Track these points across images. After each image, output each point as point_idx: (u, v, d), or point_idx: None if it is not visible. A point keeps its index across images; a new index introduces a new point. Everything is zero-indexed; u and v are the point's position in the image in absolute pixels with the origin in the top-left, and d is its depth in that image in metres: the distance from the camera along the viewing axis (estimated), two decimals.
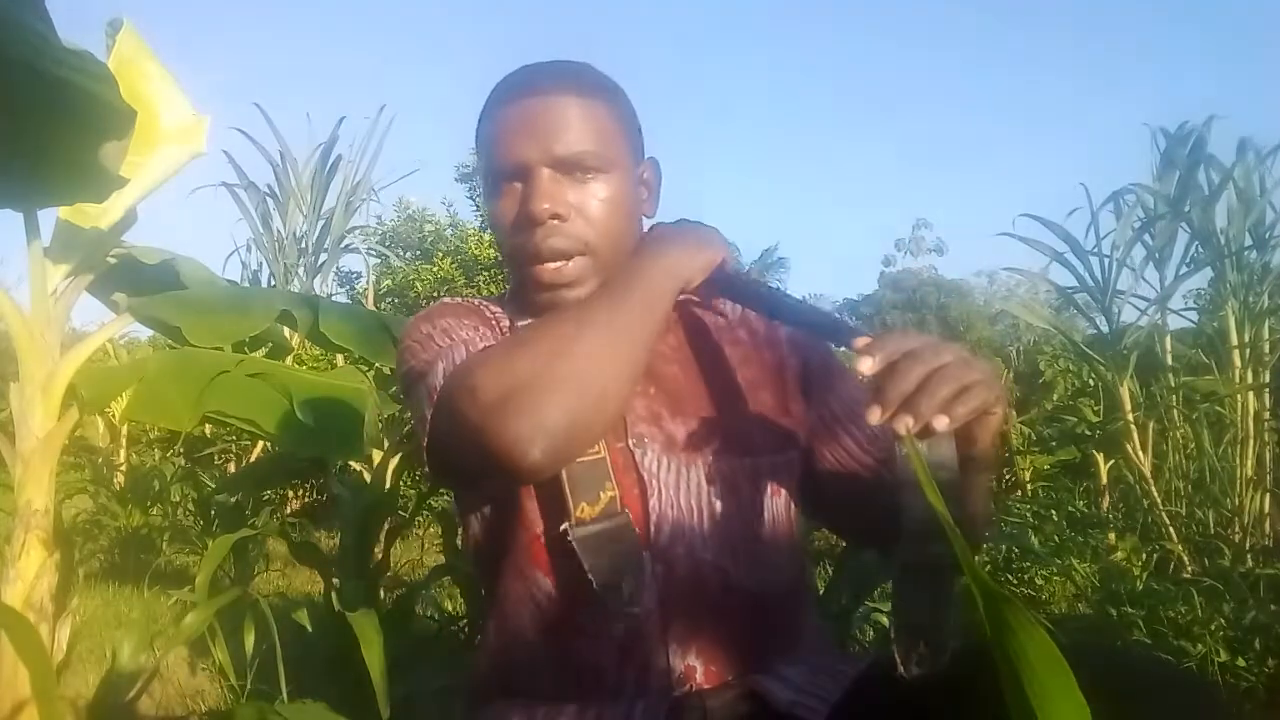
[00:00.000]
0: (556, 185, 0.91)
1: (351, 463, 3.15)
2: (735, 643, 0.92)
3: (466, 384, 0.83)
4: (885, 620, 2.16)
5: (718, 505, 0.92)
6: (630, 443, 0.93)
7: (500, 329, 0.99)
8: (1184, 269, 3.24)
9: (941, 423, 0.70)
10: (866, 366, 0.72)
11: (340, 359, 3.66)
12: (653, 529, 0.90)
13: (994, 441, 0.81)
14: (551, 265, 0.92)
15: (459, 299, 1.03)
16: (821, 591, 1.92)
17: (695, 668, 0.90)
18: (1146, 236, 3.28)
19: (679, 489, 0.92)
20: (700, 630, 0.90)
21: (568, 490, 0.88)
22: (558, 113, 0.91)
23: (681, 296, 0.97)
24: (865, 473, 0.99)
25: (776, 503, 0.96)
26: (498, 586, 0.97)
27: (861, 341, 0.74)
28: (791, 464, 0.99)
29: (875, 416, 0.70)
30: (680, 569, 0.90)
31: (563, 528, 0.88)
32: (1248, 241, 3.08)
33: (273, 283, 7.69)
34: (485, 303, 1.03)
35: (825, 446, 1.01)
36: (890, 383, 0.71)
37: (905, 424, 0.69)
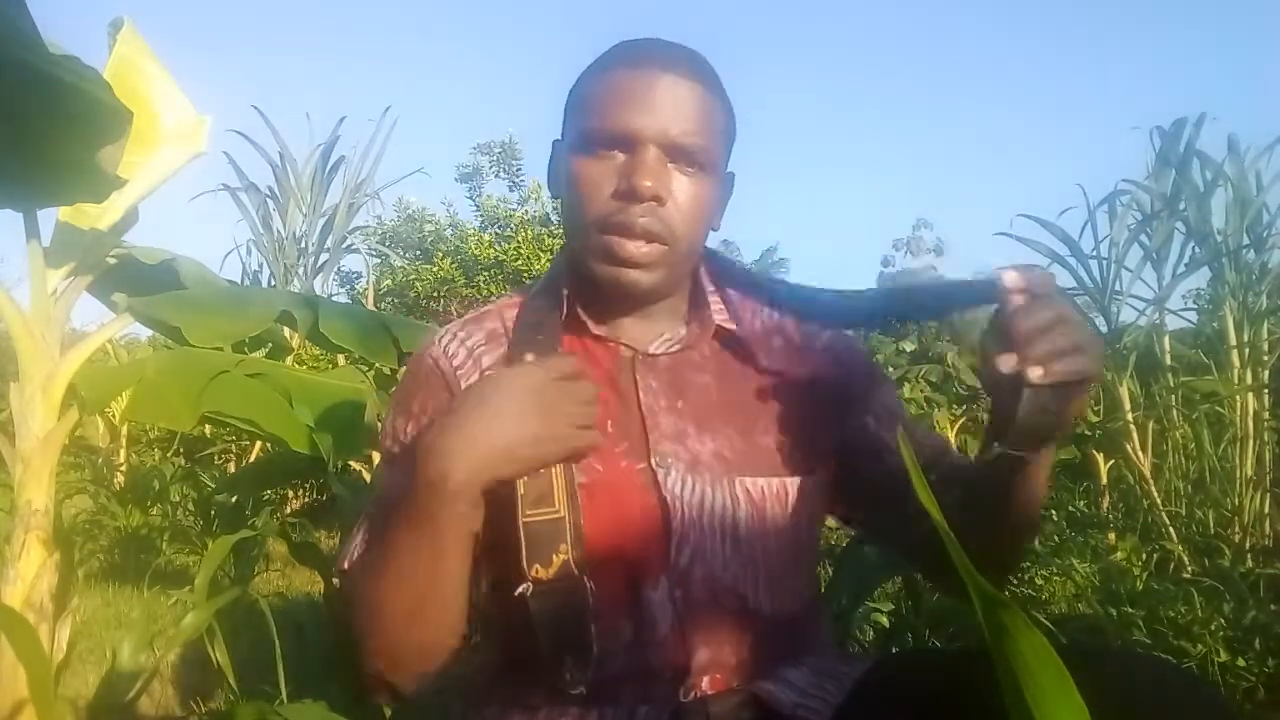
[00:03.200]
0: (663, 167, 0.89)
1: (351, 463, 3.15)
2: (746, 660, 0.91)
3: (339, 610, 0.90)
4: (885, 620, 2.16)
5: (741, 528, 0.91)
6: (654, 462, 0.91)
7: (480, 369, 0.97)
8: (1181, 269, 3.24)
9: (1036, 373, 0.73)
10: (1016, 296, 0.75)
11: (340, 359, 3.67)
12: (673, 551, 0.89)
13: (1078, 412, 0.82)
14: (634, 243, 0.89)
15: (432, 353, 0.99)
16: (821, 591, 1.92)
17: (702, 680, 0.89)
18: (1143, 236, 3.28)
19: (702, 511, 0.90)
20: (712, 650, 0.90)
21: (524, 549, 0.85)
22: (682, 96, 0.89)
23: (716, 309, 0.99)
24: (903, 483, 0.96)
25: (800, 525, 0.95)
26: (495, 590, 0.96)
27: (1012, 277, 0.76)
28: (821, 485, 0.97)
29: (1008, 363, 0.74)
30: (697, 593, 0.90)
31: (519, 590, 0.85)
32: (1245, 241, 3.08)
33: (273, 283, 7.69)
34: (493, 314, 1.01)
35: (865, 460, 0.99)
36: (1025, 321, 0.74)
37: (1035, 373, 0.73)
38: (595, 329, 0.97)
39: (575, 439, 0.84)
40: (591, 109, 0.91)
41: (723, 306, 0.99)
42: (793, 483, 0.94)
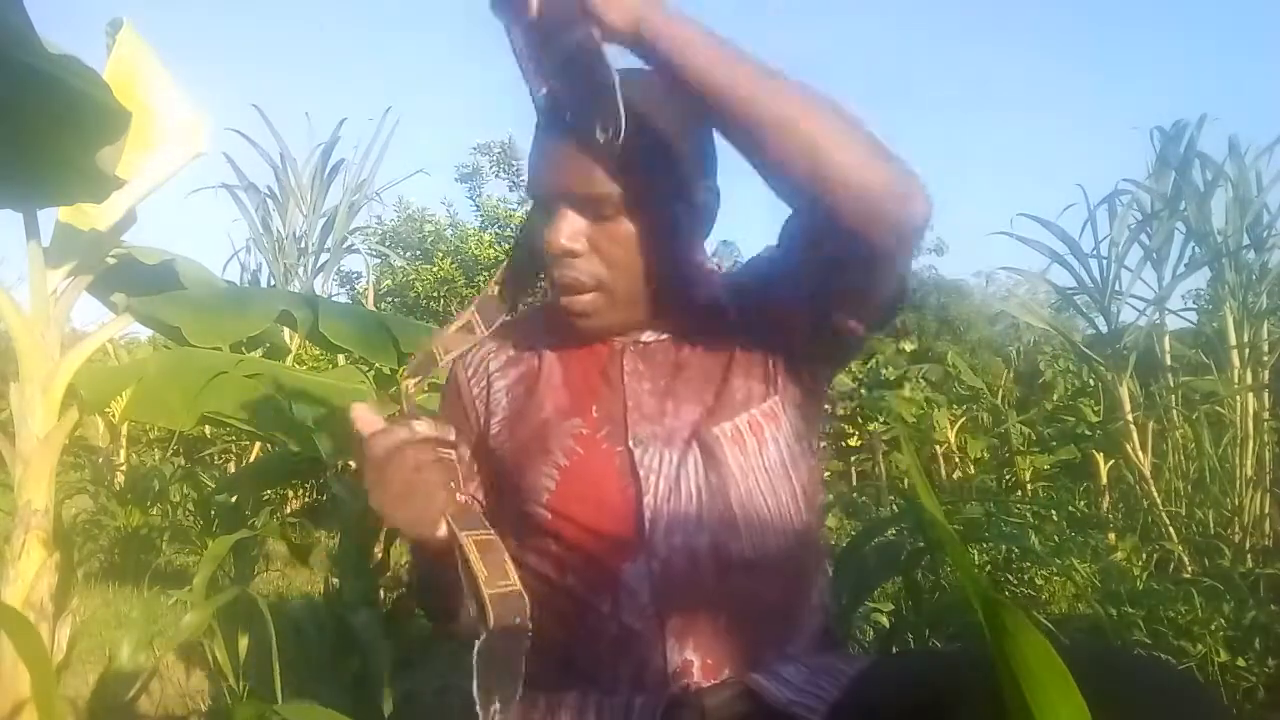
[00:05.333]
0: (575, 221, 0.92)
1: (351, 463, 3.15)
2: (733, 632, 0.92)
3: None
4: (885, 620, 2.16)
5: (713, 479, 0.93)
6: (630, 443, 0.95)
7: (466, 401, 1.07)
8: (1181, 269, 3.25)
9: None
10: None
11: (340, 359, 3.66)
12: (647, 526, 0.92)
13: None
14: (567, 297, 0.95)
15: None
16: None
17: (692, 662, 0.91)
18: (1144, 236, 3.28)
19: (676, 479, 0.93)
20: (697, 622, 0.91)
21: (490, 615, 0.86)
22: (581, 149, 0.89)
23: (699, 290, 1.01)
24: (798, 281, 0.95)
25: (769, 454, 0.96)
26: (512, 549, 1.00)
27: None
28: (775, 410, 0.98)
29: None
30: (677, 561, 0.91)
31: (478, 643, 0.86)
32: (1245, 241, 3.08)
33: (272, 283, 7.69)
34: (521, 318, 1.09)
35: (783, 314, 0.97)
36: None
37: None
38: (592, 340, 1.02)
39: (439, 515, 0.88)
40: (527, 163, 0.97)
41: (709, 287, 1.03)
42: (743, 419, 0.96)
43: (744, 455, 0.95)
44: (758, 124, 0.81)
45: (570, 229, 0.92)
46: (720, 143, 0.94)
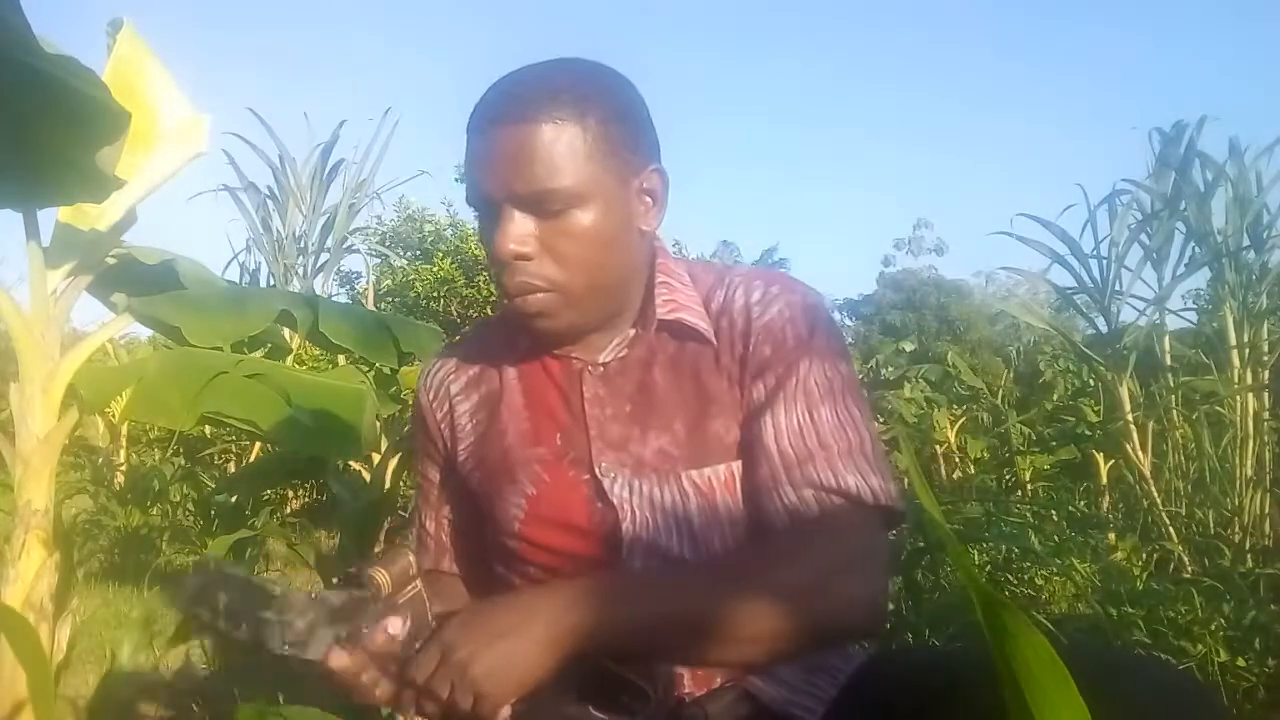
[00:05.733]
0: (523, 222, 0.89)
1: (351, 463, 3.15)
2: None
3: None
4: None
5: (695, 522, 0.91)
6: (597, 471, 0.94)
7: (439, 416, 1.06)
8: (1182, 269, 3.25)
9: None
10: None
11: (340, 359, 3.66)
12: (625, 549, 0.92)
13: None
14: (522, 300, 0.92)
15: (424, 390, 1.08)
16: None
17: (682, 674, 0.90)
18: (1144, 236, 3.28)
19: (653, 511, 0.92)
20: None
21: None
22: (522, 146, 0.86)
23: (663, 303, 0.96)
24: (768, 455, 0.91)
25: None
26: (491, 580, 1.03)
27: None
28: None
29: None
30: None
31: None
32: (1245, 242, 3.08)
33: (272, 283, 7.69)
34: (474, 335, 1.10)
35: (746, 425, 0.94)
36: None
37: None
38: (560, 346, 0.99)
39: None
40: (465, 172, 0.93)
41: (673, 298, 0.97)
42: (738, 466, 0.93)
43: (735, 501, 0.92)
44: (700, 650, 0.83)
45: (517, 231, 0.88)
46: (662, 128, 0.96)
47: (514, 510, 0.96)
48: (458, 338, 1.13)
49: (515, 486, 0.96)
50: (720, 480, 0.92)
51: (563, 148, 0.86)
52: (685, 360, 0.96)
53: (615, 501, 0.92)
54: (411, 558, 0.84)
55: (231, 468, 5.72)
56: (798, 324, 0.94)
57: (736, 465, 0.93)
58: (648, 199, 0.94)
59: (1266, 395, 2.99)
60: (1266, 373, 3.00)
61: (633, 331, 0.97)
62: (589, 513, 0.93)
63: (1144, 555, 2.76)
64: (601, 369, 0.97)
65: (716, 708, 0.89)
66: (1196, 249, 3.21)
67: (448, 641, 0.77)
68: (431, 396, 1.06)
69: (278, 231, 7.83)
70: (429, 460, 1.09)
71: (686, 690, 0.90)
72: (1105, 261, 3.29)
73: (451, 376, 1.06)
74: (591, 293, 0.92)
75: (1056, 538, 2.91)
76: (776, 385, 0.92)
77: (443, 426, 1.05)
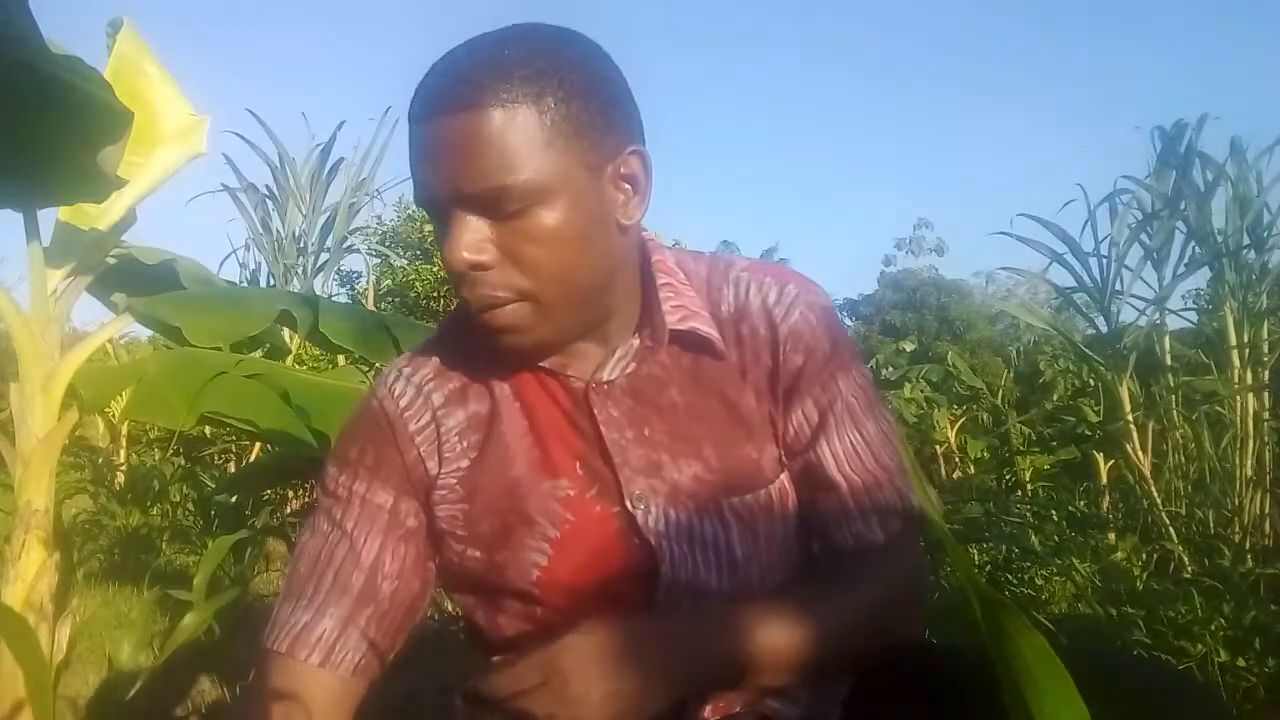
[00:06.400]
0: (476, 227, 0.75)
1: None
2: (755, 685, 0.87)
3: None
4: None
5: (737, 552, 0.85)
6: (629, 503, 0.83)
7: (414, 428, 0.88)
8: (1182, 269, 3.24)
9: None
10: None
11: (340, 359, 3.66)
12: (661, 592, 0.84)
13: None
14: (488, 314, 0.78)
15: (375, 406, 0.90)
16: None
17: (705, 708, 0.86)
18: (1144, 236, 3.28)
19: (692, 544, 0.84)
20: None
21: None
22: (468, 137, 0.72)
23: (670, 309, 0.85)
24: (828, 487, 0.87)
25: (790, 524, 0.89)
26: (494, 615, 0.91)
27: None
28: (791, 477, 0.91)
29: None
30: None
31: None
32: (1245, 241, 3.08)
33: (272, 283, 7.69)
34: (443, 341, 0.92)
35: (796, 452, 0.89)
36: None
37: None
38: (541, 361, 0.85)
39: None
40: (410, 169, 0.78)
41: (681, 304, 0.85)
42: (776, 486, 0.87)
43: (773, 527, 0.87)
44: (793, 677, 0.82)
45: (470, 238, 0.75)
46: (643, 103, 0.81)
47: (533, 555, 0.83)
48: (423, 341, 0.93)
49: (533, 529, 0.83)
50: (760, 505, 0.85)
51: (516, 136, 0.72)
52: (705, 376, 0.86)
53: (651, 538, 0.83)
54: None
55: (231, 468, 5.72)
56: (821, 331, 0.87)
57: (774, 488, 0.86)
58: (626, 186, 0.79)
59: (1266, 395, 2.99)
60: (1266, 373, 3.00)
61: (636, 342, 0.85)
62: (622, 550, 0.83)
63: (1144, 555, 2.75)
64: (608, 386, 0.85)
65: None
66: (1197, 249, 3.21)
67: (559, 666, 0.71)
68: (405, 404, 0.88)
69: (277, 232, 7.82)
70: (380, 480, 0.87)
71: (706, 716, 0.86)
72: (1105, 261, 3.29)
73: (431, 384, 0.88)
74: (567, 301, 0.79)
75: (1056, 538, 2.90)
76: (822, 408, 0.87)
77: (419, 441, 0.87)
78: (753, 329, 0.87)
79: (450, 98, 0.74)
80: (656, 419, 0.85)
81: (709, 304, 0.88)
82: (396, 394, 0.89)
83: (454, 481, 0.86)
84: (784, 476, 0.88)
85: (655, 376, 0.86)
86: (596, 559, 0.83)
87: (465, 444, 0.87)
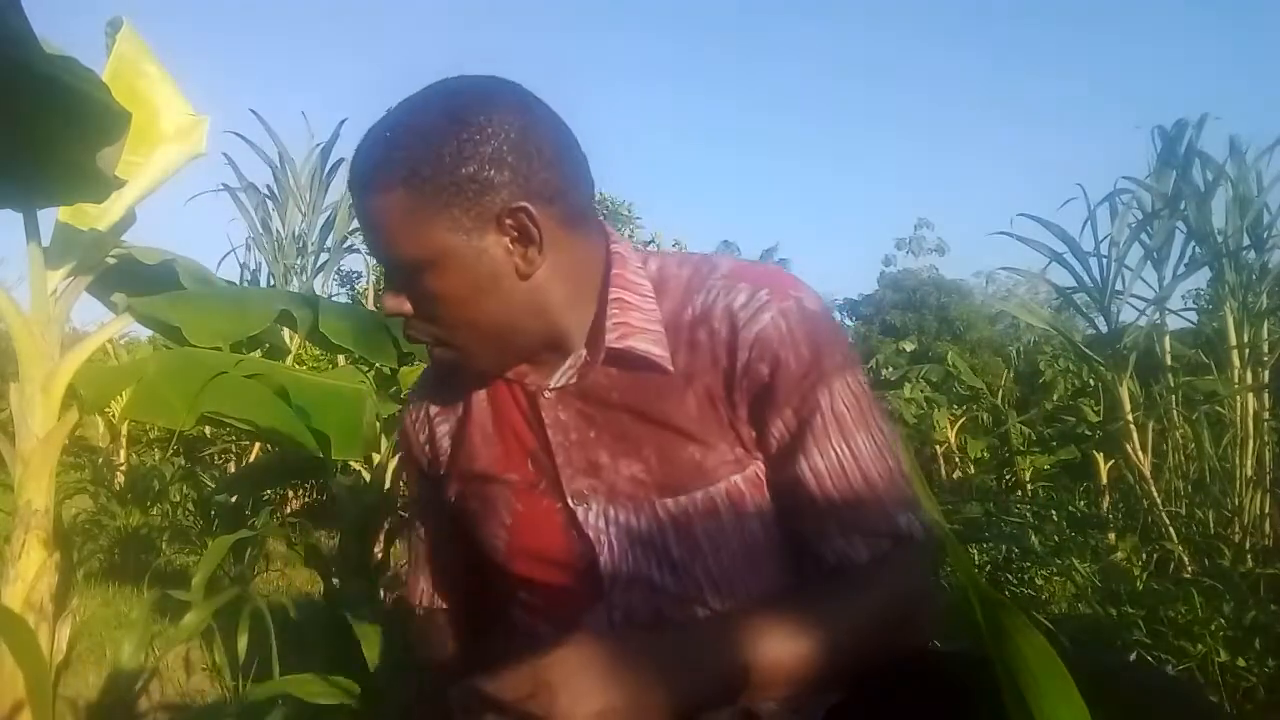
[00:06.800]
0: (395, 284, 0.88)
1: (351, 463, 3.15)
2: None
3: None
4: None
5: (674, 550, 0.88)
6: (570, 500, 0.90)
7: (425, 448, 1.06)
8: (1182, 269, 3.25)
9: None
10: None
11: (340, 359, 3.66)
12: (607, 583, 0.89)
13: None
14: (430, 351, 0.92)
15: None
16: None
17: None
18: (1144, 236, 3.28)
19: (631, 540, 0.88)
20: None
21: None
22: (366, 216, 0.86)
23: (613, 325, 0.88)
24: (813, 503, 0.87)
25: (745, 525, 0.89)
26: (483, 612, 1.04)
27: None
28: (753, 478, 0.89)
29: None
30: (641, 612, 0.89)
31: None
32: (1245, 241, 3.08)
33: (272, 283, 7.69)
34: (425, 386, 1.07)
35: (768, 463, 0.89)
36: None
37: None
38: (503, 373, 0.95)
39: None
40: None
41: (624, 320, 0.88)
42: (719, 490, 0.87)
43: (718, 528, 0.88)
44: (787, 689, 0.82)
45: (391, 292, 0.89)
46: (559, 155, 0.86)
47: (494, 539, 0.95)
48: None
49: (493, 514, 0.95)
50: (698, 507, 0.87)
51: (395, 218, 0.83)
52: (645, 388, 0.89)
53: (590, 533, 0.89)
54: None
55: (231, 468, 5.72)
56: (798, 338, 0.85)
57: (718, 489, 0.87)
58: (517, 241, 0.84)
59: (1266, 395, 2.99)
60: (1266, 373, 3.00)
61: (584, 353, 0.90)
62: (565, 544, 0.90)
63: (1144, 555, 2.76)
64: (557, 392, 0.91)
65: None
66: (1197, 249, 3.21)
67: (548, 679, 0.72)
68: (413, 419, 1.06)
69: (277, 232, 7.82)
70: (417, 478, 1.09)
71: None
72: (1105, 261, 3.29)
73: (429, 399, 1.04)
74: (478, 344, 0.88)
75: (1056, 538, 2.91)
76: (801, 421, 0.86)
77: (426, 447, 1.04)
78: (711, 333, 0.88)
79: (354, 179, 0.87)
80: (602, 422, 0.90)
81: (675, 310, 0.89)
82: (410, 411, 1.07)
83: (447, 476, 1.02)
84: (739, 478, 0.88)
85: (600, 384, 0.90)
86: (544, 547, 0.92)
87: (451, 444, 1.02)
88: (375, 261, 0.96)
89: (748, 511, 0.88)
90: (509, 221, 0.83)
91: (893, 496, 0.86)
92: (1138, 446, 3.15)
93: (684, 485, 0.87)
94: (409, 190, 0.81)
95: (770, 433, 0.87)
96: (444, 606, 1.10)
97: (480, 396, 0.98)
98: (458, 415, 1.01)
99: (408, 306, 0.88)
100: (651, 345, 0.88)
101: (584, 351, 0.90)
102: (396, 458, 2.44)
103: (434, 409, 1.03)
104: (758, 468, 0.89)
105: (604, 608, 0.89)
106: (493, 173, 0.81)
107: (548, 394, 0.92)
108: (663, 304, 0.90)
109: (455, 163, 0.81)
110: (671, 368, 0.88)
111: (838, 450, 0.85)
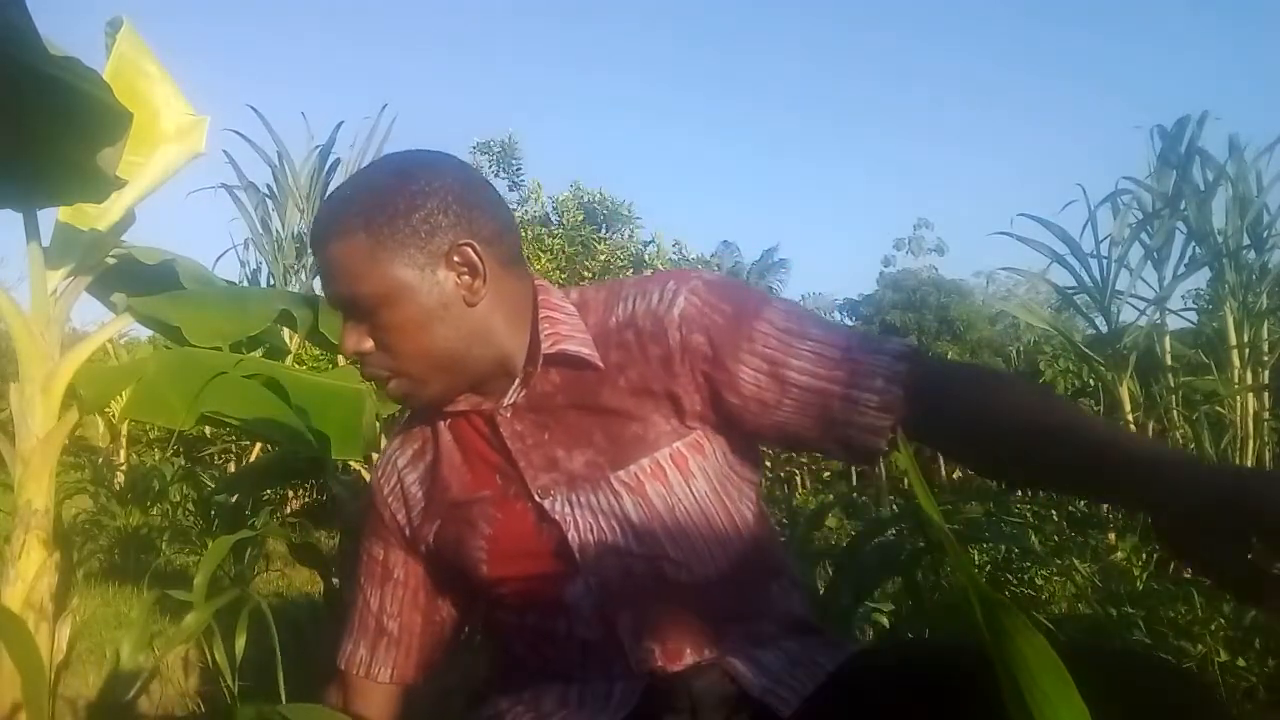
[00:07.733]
0: (357, 326, 0.98)
1: (351, 463, 3.15)
2: (683, 624, 0.97)
3: None
4: (885, 620, 2.16)
5: (633, 515, 0.96)
6: (537, 496, 1.00)
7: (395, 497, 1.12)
8: (1182, 269, 3.25)
9: None
10: None
11: (340, 359, 3.66)
12: (578, 555, 0.97)
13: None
14: (384, 390, 1.01)
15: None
16: (821, 591, 1.92)
17: (652, 649, 0.95)
18: (1144, 235, 3.28)
19: (595, 515, 0.98)
20: (645, 619, 0.97)
21: None
22: (328, 261, 0.97)
23: (546, 338, 0.99)
24: (827, 395, 0.93)
25: (696, 486, 0.98)
26: (486, 612, 1.11)
27: None
28: (700, 441, 0.98)
29: None
30: (612, 576, 0.97)
31: None
32: (1245, 241, 3.08)
33: (272, 282, 7.69)
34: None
35: (750, 417, 0.97)
36: None
37: None
38: (460, 406, 1.05)
39: None
40: None
41: (555, 331, 1.00)
42: (663, 454, 0.97)
43: (667, 487, 0.97)
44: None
45: (351, 333, 0.98)
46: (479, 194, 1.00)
47: (477, 553, 1.01)
48: (407, 415, 1.19)
49: (474, 530, 1.02)
50: (646, 472, 0.97)
51: (355, 258, 0.95)
52: (584, 384, 1.00)
53: (557, 518, 0.98)
54: None
55: (231, 468, 5.73)
56: (714, 302, 0.98)
57: (662, 454, 0.97)
58: (464, 274, 0.97)
59: (1266, 395, 2.99)
60: (1266, 373, 3.00)
61: (529, 369, 1.02)
62: (539, 535, 0.99)
63: (1144, 555, 2.75)
64: (510, 410, 1.02)
65: (700, 685, 0.94)
66: (1197, 249, 3.21)
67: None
68: (381, 473, 1.14)
69: (277, 231, 7.83)
70: (375, 538, 1.15)
71: (658, 663, 0.95)
72: (1105, 261, 3.29)
73: (398, 451, 1.13)
74: (432, 370, 0.98)
75: (1056, 538, 2.91)
76: (761, 354, 0.95)
77: (390, 500, 1.12)
78: (638, 331, 0.99)
79: (317, 231, 1.00)
80: (554, 423, 1.01)
81: (600, 321, 1.02)
82: (378, 465, 1.15)
83: (420, 519, 1.09)
84: (680, 444, 0.98)
85: (544, 392, 1.02)
86: (522, 544, 1.00)
87: (423, 489, 1.10)
88: (334, 304, 1.05)
89: (691, 472, 0.98)
90: (456, 258, 0.96)
91: (871, 339, 0.96)
92: None
93: (631, 456, 0.98)
94: (369, 234, 0.95)
95: (745, 384, 0.95)
96: (383, 681, 1.15)
97: (446, 439, 1.08)
98: (426, 462, 1.10)
99: (368, 344, 0.98)
100: (581, 346, 1.00)
101: (528, 369, 1.02)
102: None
103: (402, 461, 1.12)
104: (698, 435, 0.99)
105: (580, 578, 0.97)
106: (441, 217, 0.96)
107: (503, 411, 1.02)
108: (588, 319, 1.02)
109: (408, 210, 0.95)
110: (602, 364, 0.99)
111: (804, 349, 0.94)
